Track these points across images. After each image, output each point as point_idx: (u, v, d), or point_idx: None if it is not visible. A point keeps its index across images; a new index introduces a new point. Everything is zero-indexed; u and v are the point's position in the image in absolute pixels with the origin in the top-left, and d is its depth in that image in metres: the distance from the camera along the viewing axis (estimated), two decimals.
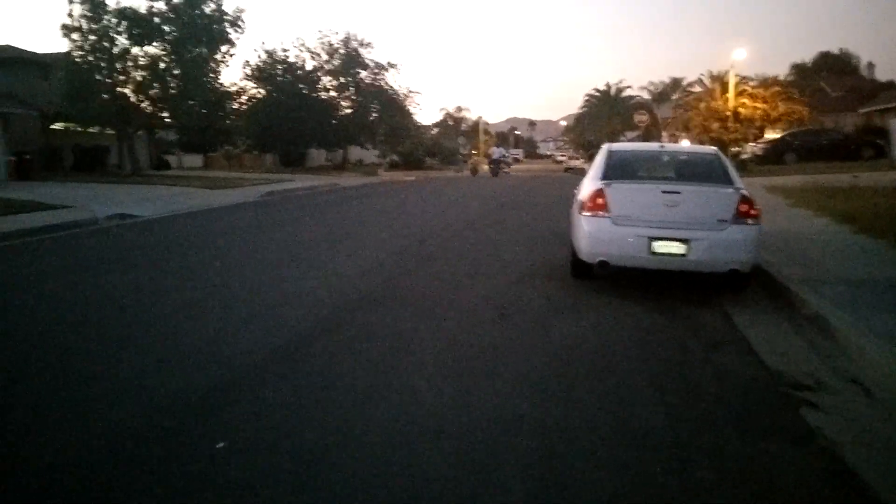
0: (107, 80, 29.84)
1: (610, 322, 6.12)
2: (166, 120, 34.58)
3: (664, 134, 54.35)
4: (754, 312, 6.50)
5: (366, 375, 4.59)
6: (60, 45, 42.22)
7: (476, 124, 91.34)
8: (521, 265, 8.95)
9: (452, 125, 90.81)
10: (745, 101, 40.84)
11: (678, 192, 6.95)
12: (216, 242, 11.49)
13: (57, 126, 31.62)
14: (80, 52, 29.17)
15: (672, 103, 62.12)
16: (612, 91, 78.05)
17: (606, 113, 75.27)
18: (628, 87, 78.95)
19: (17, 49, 36.07)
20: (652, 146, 9.39)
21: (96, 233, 12.75)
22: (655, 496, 3.05)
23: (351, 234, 12.61)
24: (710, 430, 3.78)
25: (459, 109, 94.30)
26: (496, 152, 45.93)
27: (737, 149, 39.76)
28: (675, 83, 69.40)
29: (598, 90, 79.95)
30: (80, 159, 31.08)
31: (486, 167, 44.33)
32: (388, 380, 4.52)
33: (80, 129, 31.83)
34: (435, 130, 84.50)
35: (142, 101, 31.69)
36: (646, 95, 73.57)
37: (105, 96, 29.52)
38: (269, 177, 33.72)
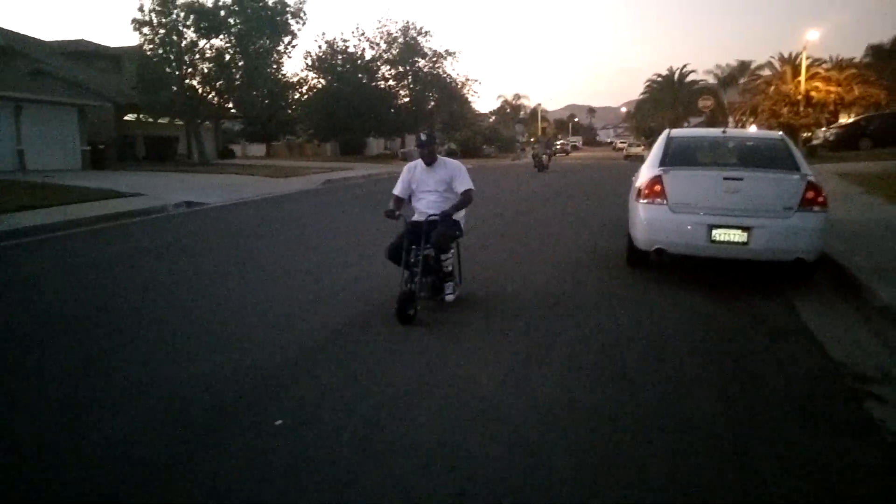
0: (176, 73, 30.91)
1: (667, 312, 6.02)
2: (231, 111, 35.64)
3: (730, 120, 52.65)
4: (820, 303, 6.28)
5: (427, 355, 4.67)
6: (132, 38, 43.93)
7: (534, 112, 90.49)
8: (574, 253, 8.87)
9: (510, 113, 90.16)
10: (818, 84, 39.17)
11: (740, 179, 6.75)
12: (277, 229, 11.79)
13: (129, 117, 32.93)
14: (151, 46, 30.31)
15: (739, 88, 60.01)
16: (676, 76, 75.96)
17: (669, 99, 73.36)
18: (692, 71, 76.86)
19: (90, 43, 37.77)
20: (714, 132, 9.13)
21: (165, 220, 13.26)
22: (712, 487, 3.01)
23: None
24: (771, 421, 3.69)
25: (518, 97, 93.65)
26: (541, 142, 42.19)
27: (808, 134, 38.20)
28: (743, 66, 66.79)
29: (660, 75, 78.01)
30: (151, 149, 32.31)
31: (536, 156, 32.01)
32: (443, 364, 4.58)
33: (150, 120, 33.07)
34: (492, 118, 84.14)
35: (208, 93, 32.73)
36: (711, 80, 71.11)
37: (174, 88, 30.58)
38: (329, 165, 34.28)
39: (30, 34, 35.19)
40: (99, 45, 38.07)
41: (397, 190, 6.15)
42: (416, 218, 6.02)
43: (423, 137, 6.01)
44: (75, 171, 24.27)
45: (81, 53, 35.67)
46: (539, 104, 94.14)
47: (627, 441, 3.42)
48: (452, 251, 5.99)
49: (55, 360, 4.71)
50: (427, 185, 6.05)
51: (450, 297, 5.96)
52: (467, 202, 5.92)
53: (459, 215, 6.03)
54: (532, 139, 49.40)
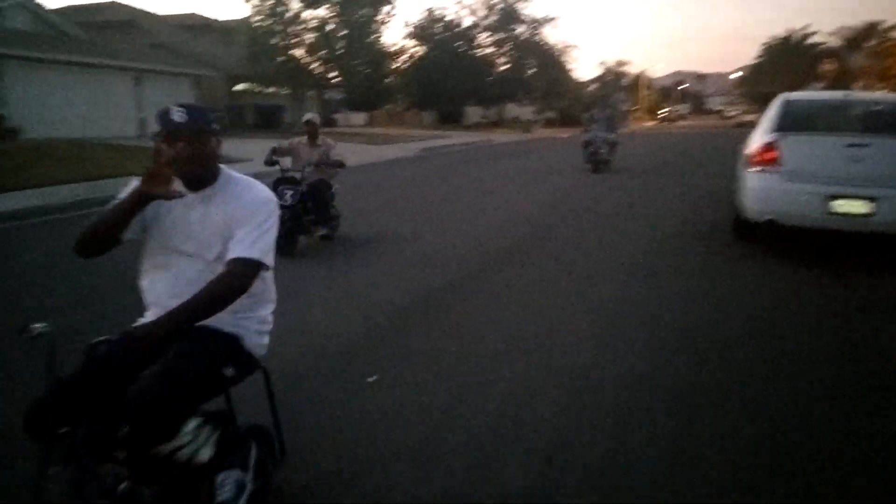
0: (281, 43, 31.91)
1: (774, 286, 5.67)
2: (333, 80, 36.50)
3: (855, 85, 48.80)
4: None
5: (513, 319, 4.63)
6: (240, 11, 45.76)
7: (638, 78, 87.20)
8: (673, 225, 8.52)
9: (612, 80, 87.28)
10: None
11: (865, 145, 6.21)
12: (374, 195, 12.02)
13: (239, 87, 34.38)
14: (258, 17, 31.40)
15: (866, 51, 55.39)
16: (795, 38, 70.86)
17: (787, 63, 68.65)
18: (814, 33, 71.47)
19: (202, 17, 39.52)
20: (836, 94, 8.43)
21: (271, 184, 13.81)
22: (814, 480, 2.81)
23: (495, 190, 12.69)
24: (882, 410, 3.40)
25: (620, 63, 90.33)
26: (599, 120, 16.40)
27: None
28: (871, 28, 61.40)
29: (777, 38, 72.99)
30: (259, 118, 33.65)
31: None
32: (529, 329, 4.52)
33: (258, 89, 34.39)
34: (593, 86, 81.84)
35: (312, 63, 33.64)
36: (835, 43, 65.90)
37: (280, 58, 31.61)
38: (427, 133, 34.54)
39: (148, 9, 37.32)
40: (210, 18, 39.85)
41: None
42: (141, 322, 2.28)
43: (177, 117, 2.17)
44: None
45: (194, 26, 37.45)
46: (643, 71, 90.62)
47: (716, 423, 3.25)
48: (191, 431, 2.08)
49: None
50: (182, 235, 2.28)
51: None
52: (223, 299, 2.13)
53: (249, 328, 2.34)
54: (635, 107, 35.61)
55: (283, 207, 6.20)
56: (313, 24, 32.67)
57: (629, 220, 9.00)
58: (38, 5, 26.25)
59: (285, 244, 6.30)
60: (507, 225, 8.69)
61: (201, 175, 2.27)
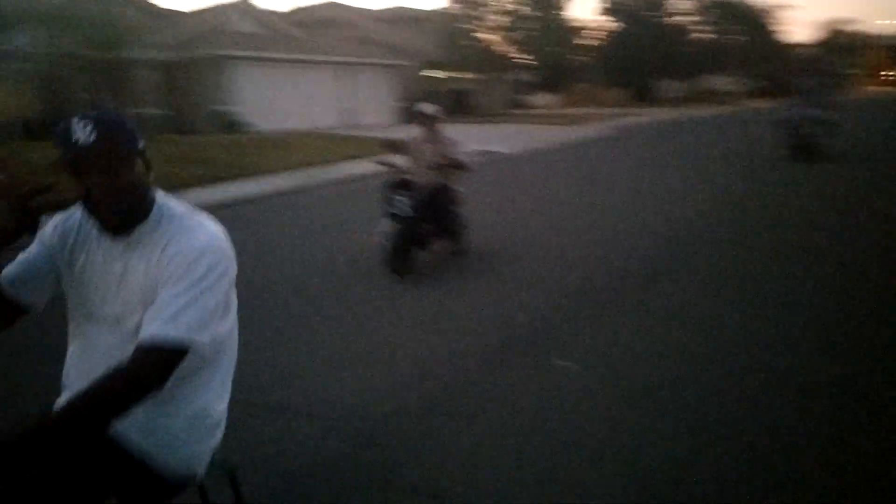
0: (474, 26, 32.83)
1: None
2: (524, 61, 36.78)
3: None
4: None
5: (695, 321, 4.59)
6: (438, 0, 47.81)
7: (860, 38, 77.07)
8: None
9: (830, 42, 78.03)
10: None
11: None
12: (564, 177, 12.09)
13: (433, 73, 35.94)
14: (454, 4, 32.55)
15: None
16: None
17: None
18: None
19: (406, 9, 41.80)
20: None
21: None
22: None
23: (670, 178, 12.16)
24: None
25: (840, 21, 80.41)
26: (805, 91, 12.92)
27: None
28: None
29: None
30: (453, 102, 34.90)
31: None
32: (717, 327, 4.46)
33: (452, 75, 35.66)
34: (806, 50, 73.75)
35: (503, 45, 34.26)
36: None
37: (472, 42, 32.56)
38: (616, 112, 33.64)
39: (355, 5, 40.10)
40: (412, 9, 41.96)
41: (11, 272, 1.61)
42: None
43: (82, 136, 1.43)
44: (390, 125, 27.35)
45: (397, 19, 39.60)
46: (869, 28, 79.74)
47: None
48: None
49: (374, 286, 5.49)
50: (100, 296, 1.61)
51: None
52: (121, 402, 1.39)
53: (168, 433, 1.61)
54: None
55: (395, 217, 5.59)
56: (505, 6, 33.19)
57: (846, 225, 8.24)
58: (261, 10, 29.35)
59: (398, 261, 5.54)
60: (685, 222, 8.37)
61: (123, 215, 1.54)
